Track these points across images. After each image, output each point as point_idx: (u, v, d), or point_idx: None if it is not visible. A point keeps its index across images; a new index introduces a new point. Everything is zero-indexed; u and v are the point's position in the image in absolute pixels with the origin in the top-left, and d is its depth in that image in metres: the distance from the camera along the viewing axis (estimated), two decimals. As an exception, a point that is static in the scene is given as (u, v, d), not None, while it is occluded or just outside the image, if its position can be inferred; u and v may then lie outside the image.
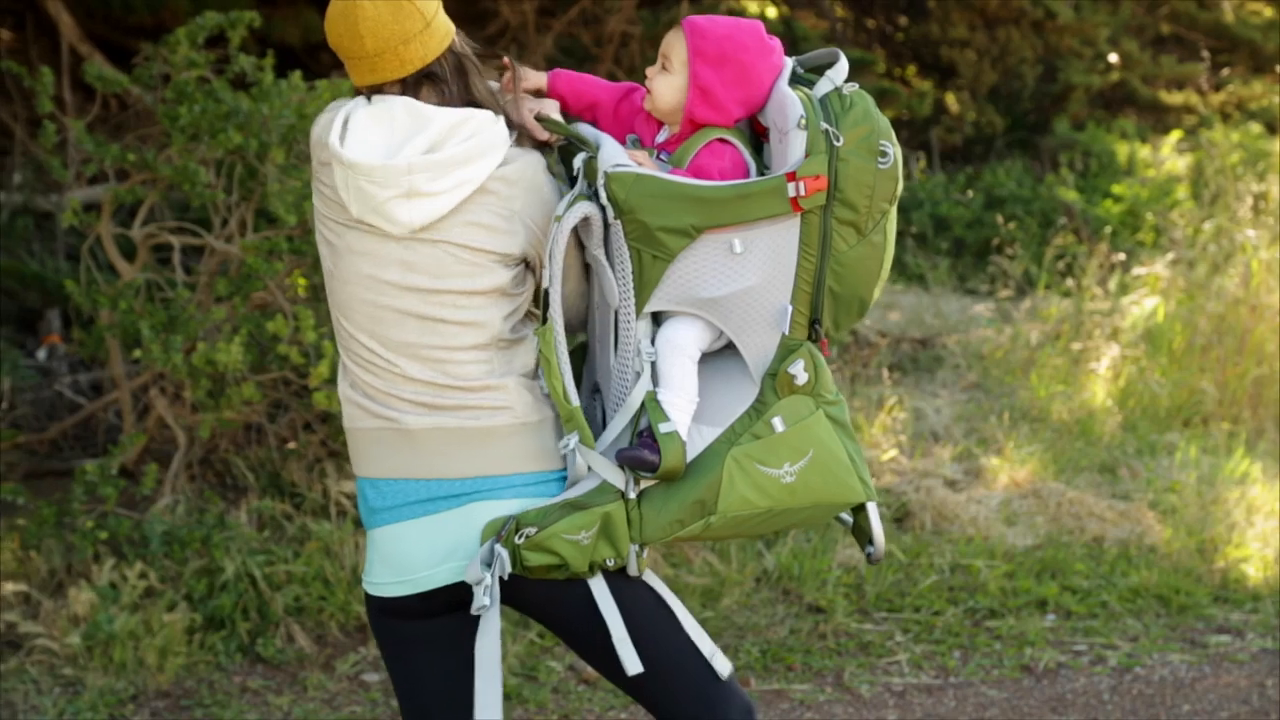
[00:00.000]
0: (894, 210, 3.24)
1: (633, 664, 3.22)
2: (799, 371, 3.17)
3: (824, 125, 3.11)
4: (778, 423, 3.18)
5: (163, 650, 5.90)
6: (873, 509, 3.35)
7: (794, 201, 3.10)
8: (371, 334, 3.23)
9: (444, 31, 3.25)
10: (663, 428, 3.13)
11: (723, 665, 3.32)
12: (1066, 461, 8.66)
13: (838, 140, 3.11)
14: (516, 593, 3.23)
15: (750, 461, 3.16)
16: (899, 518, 7.80)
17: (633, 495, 3.16)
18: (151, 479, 6.48)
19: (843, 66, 3.21)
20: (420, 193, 3.11)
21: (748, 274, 3.16)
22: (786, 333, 3.18)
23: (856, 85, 3.21)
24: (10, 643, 6.04)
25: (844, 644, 6.54)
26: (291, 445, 7.08)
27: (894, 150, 3.17)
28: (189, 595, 6.19)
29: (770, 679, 6.19)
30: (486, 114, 3.22)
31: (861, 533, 3.41)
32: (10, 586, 6.17)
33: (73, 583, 6.20)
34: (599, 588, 3.23)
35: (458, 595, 3.24)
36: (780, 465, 3.17)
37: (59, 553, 6.39)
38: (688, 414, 3.18)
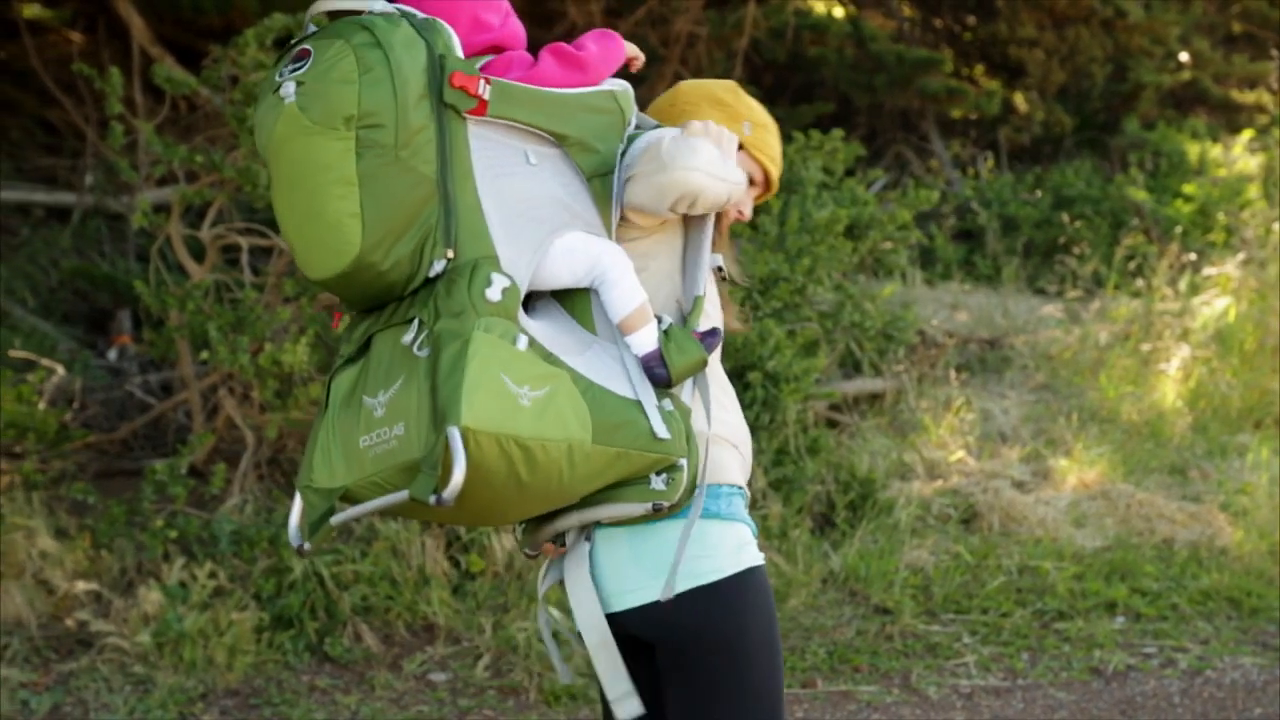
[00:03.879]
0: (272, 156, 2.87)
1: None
2: None
3: None
4: None
5: (232, 649, 5.93)
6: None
7: None
8: None
9: None
10: None
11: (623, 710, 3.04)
12: (1136, 463, 8.60)
13: None
14: None
15: None
16: (966, 519, 7.77)
17: None
18: (220, 478, 6.53)
19: None
20: None
21: None
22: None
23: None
24: (81, 641, 6.09)
25: (911, 645, 6.52)
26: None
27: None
28: (257, 594, 6.23)
29: (837, 680, 6.17)
30: None
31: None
32: (81, 585, 6.22)
33: (143, 581, 6.25)
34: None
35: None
36: None
37: (129, 552, 6.44)
38: None
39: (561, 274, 2.94)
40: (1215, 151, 15.12)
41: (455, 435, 2.62)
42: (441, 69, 2.81)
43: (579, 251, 2.92)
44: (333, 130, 2.76)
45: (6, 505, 6.51)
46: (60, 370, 7.72)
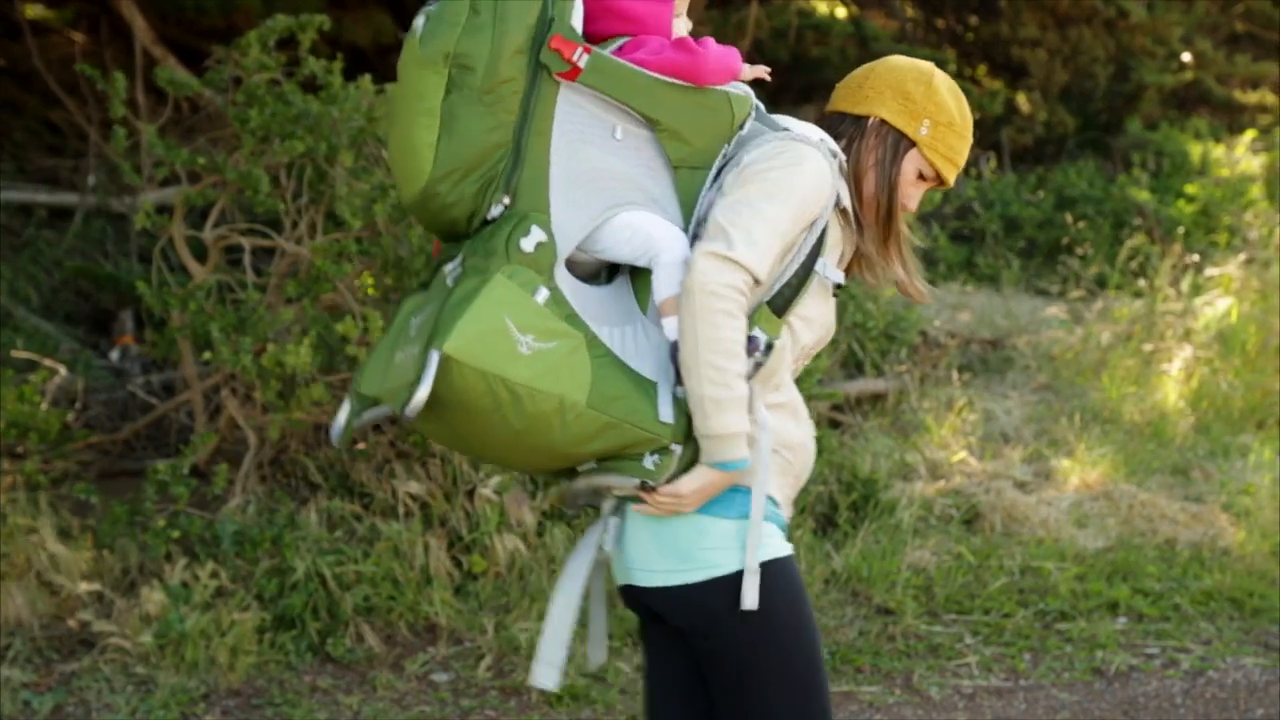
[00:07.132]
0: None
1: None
2: None
3: None
4: None
5: (234, 649, 5.93)
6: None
7: None
8: None
9: None
10: None
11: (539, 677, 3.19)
12: (1138, 463, 8.59)
13: None
14: None
15: None
16: (969, 519, 7.77)
17: None
18: (222, 479, 6.53)
19: None
20: None
21: None
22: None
23: None
24: (84, 641, 6.09)
25: (913, 646, 6.52)
26: (361, 446, 7.11)
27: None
28: (260, 595, 6.23)
29: (839, 681, 6.17)
30: None
31: None
32: (84, 586, 6.22)
33: (145, 582, 6.25)
34: None
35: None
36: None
37: (132, 552, 6.44)
38: None
39: (620, 248, 3.07)
40: (1218, 152, 15.14)
41: (433, 357, 2.80)
42: (546, 30, 2.99)
43: (638, 230, 3.05)
44: (434, 65, 2.97)
45: (9, 506, 6.51)
46: (62, 370, 7.73)
